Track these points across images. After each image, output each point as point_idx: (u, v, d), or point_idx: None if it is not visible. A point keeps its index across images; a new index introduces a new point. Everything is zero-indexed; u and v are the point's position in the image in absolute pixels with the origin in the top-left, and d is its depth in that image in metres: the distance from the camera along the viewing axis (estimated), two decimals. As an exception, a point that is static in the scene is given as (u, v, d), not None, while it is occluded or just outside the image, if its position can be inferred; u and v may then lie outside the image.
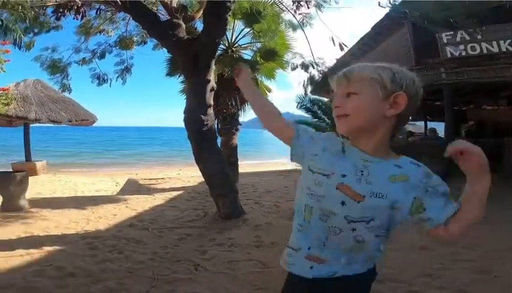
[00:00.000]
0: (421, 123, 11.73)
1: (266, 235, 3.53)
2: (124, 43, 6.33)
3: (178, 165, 15.12)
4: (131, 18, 5.93)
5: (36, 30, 5.10)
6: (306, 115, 8.01)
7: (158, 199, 5.66)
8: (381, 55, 7.46)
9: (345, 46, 5.05)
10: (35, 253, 3.01)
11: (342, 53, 5.44)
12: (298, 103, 7.72)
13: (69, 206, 4.99)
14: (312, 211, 0.83)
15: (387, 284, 2.25)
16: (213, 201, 4.41)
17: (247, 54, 6.40)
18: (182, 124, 4.15)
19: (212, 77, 4.11)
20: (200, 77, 4.02)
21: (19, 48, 4.58)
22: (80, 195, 6.42)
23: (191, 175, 9.20)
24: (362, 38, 8.17)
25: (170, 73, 6.62)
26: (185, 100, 4.28)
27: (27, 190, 4.94)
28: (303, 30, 5.47)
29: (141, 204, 5.24)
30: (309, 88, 6.19)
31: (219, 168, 4.15)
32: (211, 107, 4.16)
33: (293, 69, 5.63)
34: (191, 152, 4.23)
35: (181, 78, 6.85)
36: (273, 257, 2.83)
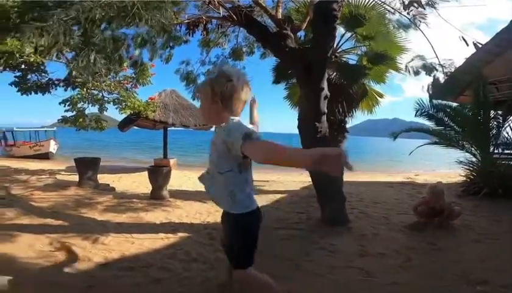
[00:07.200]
0: None
1: (372, 245, 3.37)
2: (236, 54, 7.10)
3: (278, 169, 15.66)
4: (240, 31, 6.64)
5: (171, 45, 5.96)
6: (427, 122, 6.81)
7: (264, 200, 6.06)
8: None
9: (480, 44, 4.18)
10: (171, 238, 3.66)
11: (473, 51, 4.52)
12: (418, 110, 6.56)
13: (195, 198, 5.94)
14: None
15: None
16: (315, 207, 4.45)
17: (351, 59, 6.13)
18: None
19: (325, 85, 4.13)
20: (314, 85, 4.10)
21: (166, 62, 5.66)
22: (200, 190, 7.54)
23: (292, 180, 9.44)
24: (500, 33, 6.43)
25: (276, 81, 6.94)
26: (298, 108, 4.35)
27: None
28: (420, 29, 4.77)
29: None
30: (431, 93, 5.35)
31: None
32: (325, 115, 4.18)
33: (416, 73, 4.92)
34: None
35: (286, 85, 7.16)
36: (379, 267, 2.69)
